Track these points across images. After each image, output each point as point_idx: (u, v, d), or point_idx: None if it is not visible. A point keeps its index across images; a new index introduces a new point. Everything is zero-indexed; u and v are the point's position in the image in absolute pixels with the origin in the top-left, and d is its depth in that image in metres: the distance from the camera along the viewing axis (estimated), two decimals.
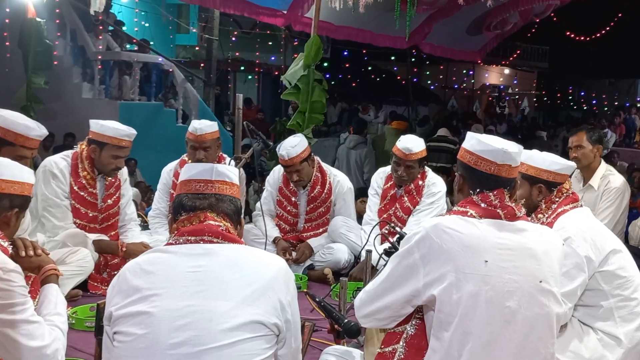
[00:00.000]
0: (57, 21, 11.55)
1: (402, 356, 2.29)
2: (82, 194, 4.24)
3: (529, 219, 3.11)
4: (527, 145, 3.13)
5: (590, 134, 4.86)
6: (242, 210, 2.31)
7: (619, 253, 3.05)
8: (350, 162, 10.43)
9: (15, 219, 2.55)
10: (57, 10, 11.29)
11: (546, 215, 3.14)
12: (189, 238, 2.08)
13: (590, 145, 4.81)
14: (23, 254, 2.62)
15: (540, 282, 2.20)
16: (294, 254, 4.86)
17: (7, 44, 10.33)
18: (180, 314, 1.94)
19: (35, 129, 3.71)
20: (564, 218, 3.08)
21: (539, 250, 2.23)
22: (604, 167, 4.89)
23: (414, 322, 2.32)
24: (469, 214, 2.26)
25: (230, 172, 2.26)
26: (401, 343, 2.32)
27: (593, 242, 2.99)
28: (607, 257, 3.00)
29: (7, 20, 10.34)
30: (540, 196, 3.17)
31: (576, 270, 2.93)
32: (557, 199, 3.15)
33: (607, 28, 19.73)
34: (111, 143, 4.16)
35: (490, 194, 2.29)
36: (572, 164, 3.26)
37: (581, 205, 3.20)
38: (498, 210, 2.26)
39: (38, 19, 8.49)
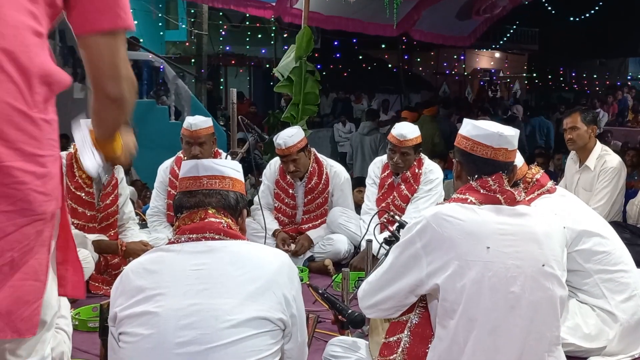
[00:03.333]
0: None
1: (407, 345, 2.31)
2: (79, 194, 4.24)
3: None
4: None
5: (585, 115, 4.87)
6: (241, 202, 2.26)
7: (595, 235, 3.04)
8: (365, 148, 10.62)
9: None
10: None
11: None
12: (191, 236, 2.08)
13: (584, 126, 4.82)
14: None
15: (543, 265, 2.21)
16: (292, 245, 4.86)
17: None
18: (185, 312, 1.94)
19: None
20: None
21: (540, 234, 2.24)
22: (599, 148, 4.90)
23: (417, 311, 2.33)
24: (468, 200, 2.26)
25: (219, 165, 2.22)
26: (406, 332, 2.33)
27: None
28: (579, 235, 3.00)
29: None
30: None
31: None
32: (525, 191, 3.13)
33: (596, 8, 19.72)
34: None
35: (489, 179, 2.29)
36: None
37: (548, 190, 3.18)
38: (498, 196, 2.27)
39: None
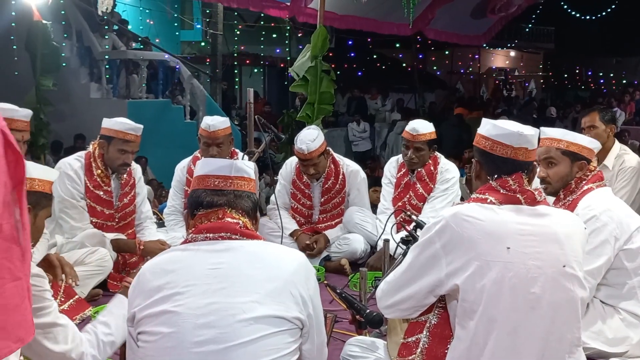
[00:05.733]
0: (63, 23, 11.58)
1: (426, 346, 2.30)
2: (97, 192, 4.27)
3: (554, 199, 3.14)
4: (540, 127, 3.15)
5: (603, 114, 4.83)
6: (258, 205, 2.30)
7: None
8: (399, 147, 10.78)
9: (32, 217, 2.50)
10: (62, 12, 11.33)
11: (574, 193, 3.13)
12: (208, 235, 2.07)
13: (603, 125, 4.78)
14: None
15: (564, 266, 2.19)
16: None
17: (15, 47, 10.39)
18: (203, 311, 1.95)
19: (20, 110, 4.08)
20: (590, 197, 3.07)
21: (561, 235, 2.22)
22: (618, 147, 4.85)
23: (436, 312, 2.32)
24: (488, 200, 2.25)
25: (248, 167, 2.24)
26: (424, 332, 2.32)
27: (619, 220, 2.99)
28: (631, 235, 2.99)
29: (13, 24, 10.39)
30: (580, 173, 3.15)
31: (601, 249, 2.93)
32: (585, 177, 3.14)
33: (612, 6, 19.56)
34: (117, 137, 4.21)
35: (509, 178, 2.27)
36: (599, 143, 3.26)
37: (605, 184, 3.19)
38: (518, 196, 2.25)
39: (44, 22, 8.53)
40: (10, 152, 1.46)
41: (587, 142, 3.17)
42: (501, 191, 2.26)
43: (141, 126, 4.29)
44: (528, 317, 2.13)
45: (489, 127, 2.35)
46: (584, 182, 3.13)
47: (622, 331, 2.98)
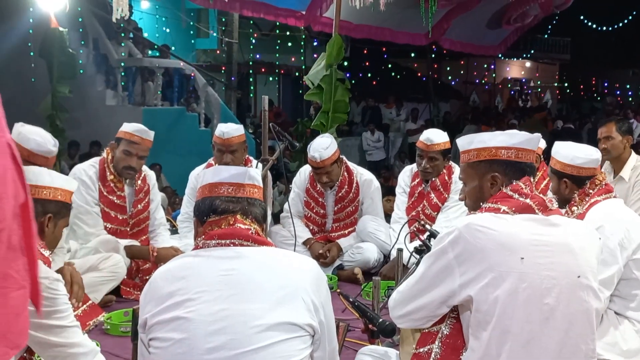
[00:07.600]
0: (80, 30, 11.69)
1: (438, 356, 2.27)
2: (111, 197, 4.31)
3: (563, 212, 3.13)
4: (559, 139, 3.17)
5: (620, 125, 4.80)
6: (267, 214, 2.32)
7: None
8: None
9: (52, 226, 2.58)
10: (80, 20, 11.45)
11: (580, 207, 3.12)
12: (219, 241, 2.07)
13: (620, 136, 4.75)
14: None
15: (579, 277, 2.16)
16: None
17: (32, 54, 10.51)
18: (215, 318, 1.94)
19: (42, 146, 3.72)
20: (596, 208, 3.06)
21: (575, 245, 2.19)
22: (634, 158, 4.82)
23: (449, 322, 2.29)
24: (501, 210, 2.23)
25: (258, 175, 2.26)
26: (437, 343, 2.30)
27: (626, 230, 2.97)
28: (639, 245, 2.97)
29: (30, 31, 10.52)
30: (567, 190, 3.17)
31: (611, 258, 2.91)
32: (590, 191, 3.13)
33: (629, 17, 19.49)
34: (124, 138, 4.30)
35: (520, 182, 2.27)
36: (596, 157, 3.22)
37: (614, 197, 3.17)
38: (529, 202, 2.23)
39: (61, 29, 8.61)
40: (17, 166, 1.49)
41: (569, 159, 3.17)
42: (514, 196, 2.24)
43: (151, 131, 4.33)
44: (542, 328, 2.11)
45: (504, 138, 2.34)
46: (589, 195, 3.13)
47: (637, 342, 2.95)
